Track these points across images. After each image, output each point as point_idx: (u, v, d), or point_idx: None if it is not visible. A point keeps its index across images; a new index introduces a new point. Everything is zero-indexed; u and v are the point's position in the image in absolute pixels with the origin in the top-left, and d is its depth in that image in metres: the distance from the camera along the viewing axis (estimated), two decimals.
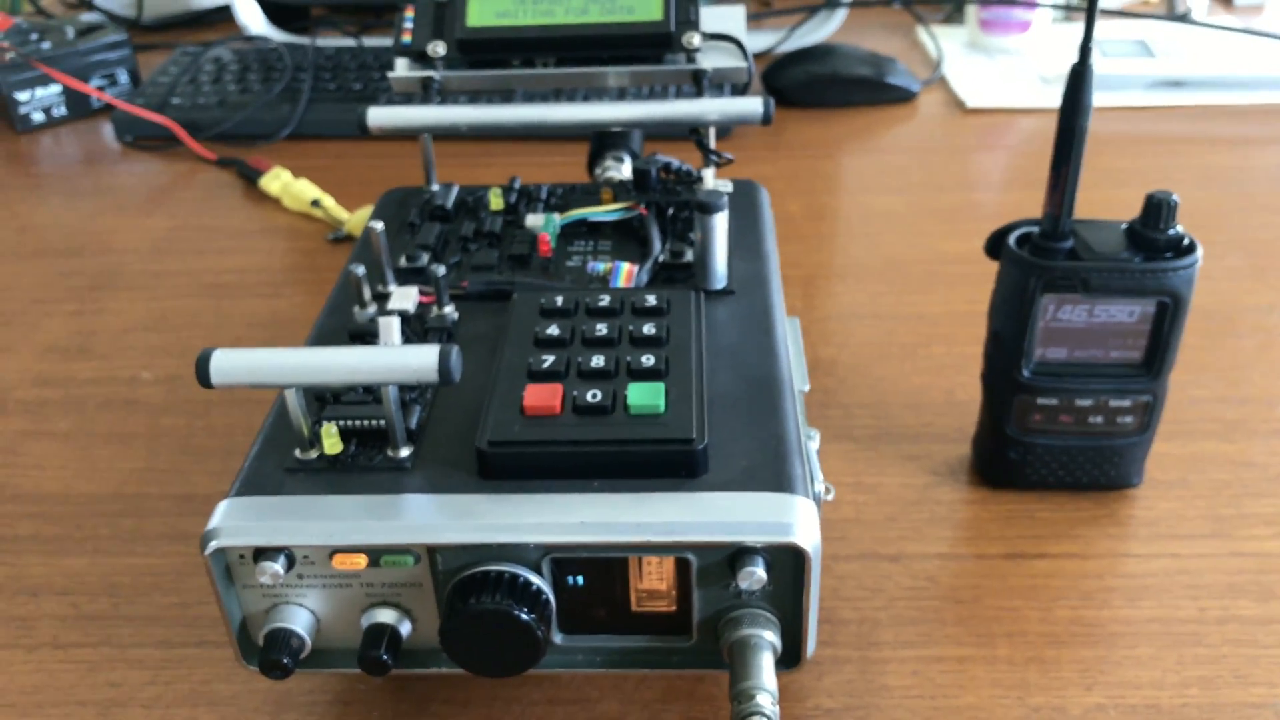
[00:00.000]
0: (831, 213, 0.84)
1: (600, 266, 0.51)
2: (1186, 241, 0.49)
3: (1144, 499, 0.55)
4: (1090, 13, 0.46)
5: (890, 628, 0.49)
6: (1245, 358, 0.65)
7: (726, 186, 0.58)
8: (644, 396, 0.41)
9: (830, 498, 0.47)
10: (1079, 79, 0.47)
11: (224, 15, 1.22)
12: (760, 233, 0.56)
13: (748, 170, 0.89)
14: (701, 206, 0.48)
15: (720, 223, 0.49)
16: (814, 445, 0.45)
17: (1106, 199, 0.83)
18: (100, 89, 1.04)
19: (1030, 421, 0.53)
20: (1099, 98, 0.98)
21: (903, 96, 1.01)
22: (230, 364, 0.39)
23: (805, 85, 1.01)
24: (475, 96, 0.93)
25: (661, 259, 0.52)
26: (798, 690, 0.46)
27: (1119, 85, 0.99)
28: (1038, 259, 0.49)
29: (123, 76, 1.06)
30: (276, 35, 1.14)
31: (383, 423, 0.42)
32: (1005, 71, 1.05)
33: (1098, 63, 0.98)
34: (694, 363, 0.44)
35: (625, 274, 0.50)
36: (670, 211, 0.56)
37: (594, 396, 0.41)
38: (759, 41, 1.10)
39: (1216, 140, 0.93)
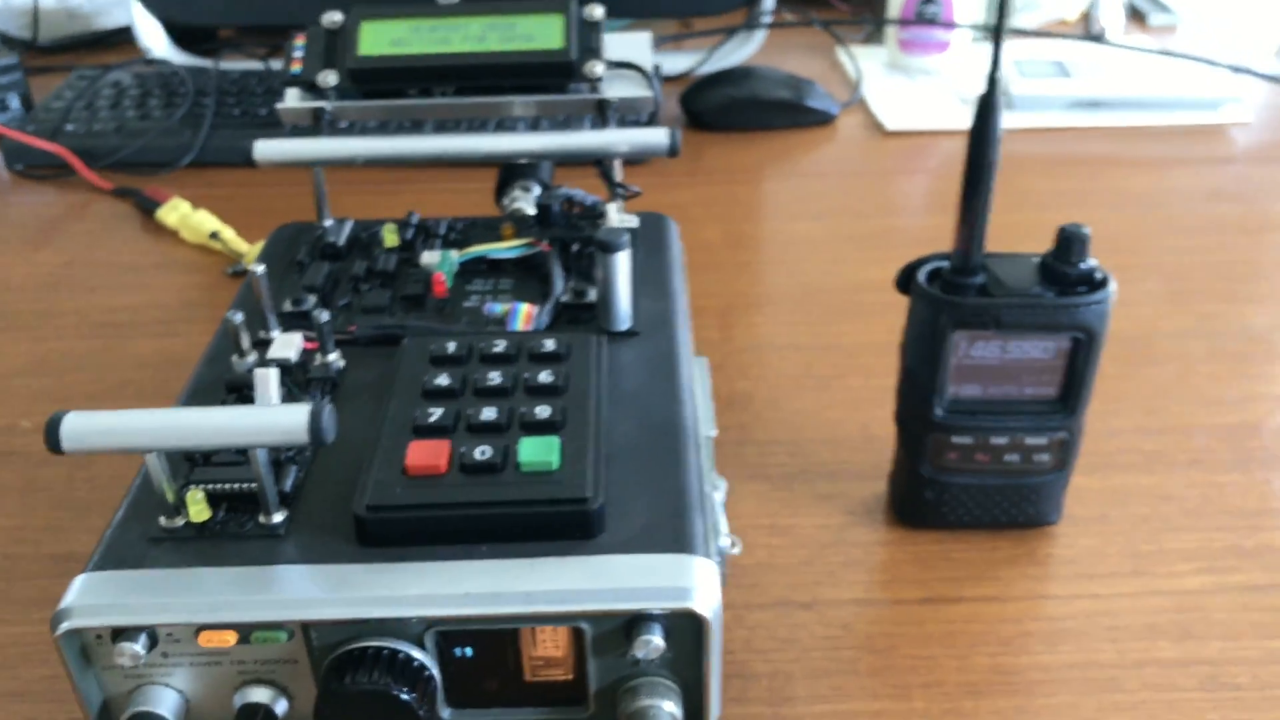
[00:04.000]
0: (750, 240, 0.82)
1: (498, 308, 0.49)
2: (1100, 275, 0.48)
3: (1063, 536, 0.54)
4: (996, 44, 0.44)
5: (804, 681, 0.47)
6: (1163, 385, 0.65)
7: (632, 221, 0.56)
8: (536, 453, 0.39)
9: (737, 551, 0.45)
10: (987, 109, 0.45)
11: (125, 37, 1.18)
12: (668, 269, 0.54)
13: (666, 197, 0.87)
14: (602, 245, 0.46)
15: (622, 262, 0.47)
16: (719, 496, 0.43)
17: (1025, 222, 0.82)
18: None
19: (945, 460, 0.52)
20: (1017, 118, 0.98)
21: (822, 119, 1.00)
22: (84, 428, 0.36)
23: (724, 109, 0.99)
24: (383, 125, 0.90)
25: (564, 299, 0.50)
26: None
27: (1037, 106, 0.99)
28: (948, 295, 0.48)
29: (13, 101, 1.02)
30: (180, 58, 1.10)
31: (254, 486, 0.39)
32: (925, 92, 1.05)
33: (1015, 83, 0.99)
34: (592, 413, 0.42)
35: (524, 316, 0.48)
36: (575, 248, 0.53)
37: (482, 454, 0.39)
38: (677, 64, 1.09)
39: (1134, 161, 0.93)
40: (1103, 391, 0.62)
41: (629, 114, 0.57)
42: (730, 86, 1.00)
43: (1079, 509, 0.55)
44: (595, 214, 0.54)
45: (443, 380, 0.43)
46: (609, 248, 0.46)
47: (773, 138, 0.99)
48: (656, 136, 0.54)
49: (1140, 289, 0.74)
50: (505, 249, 0.53)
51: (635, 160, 0.90)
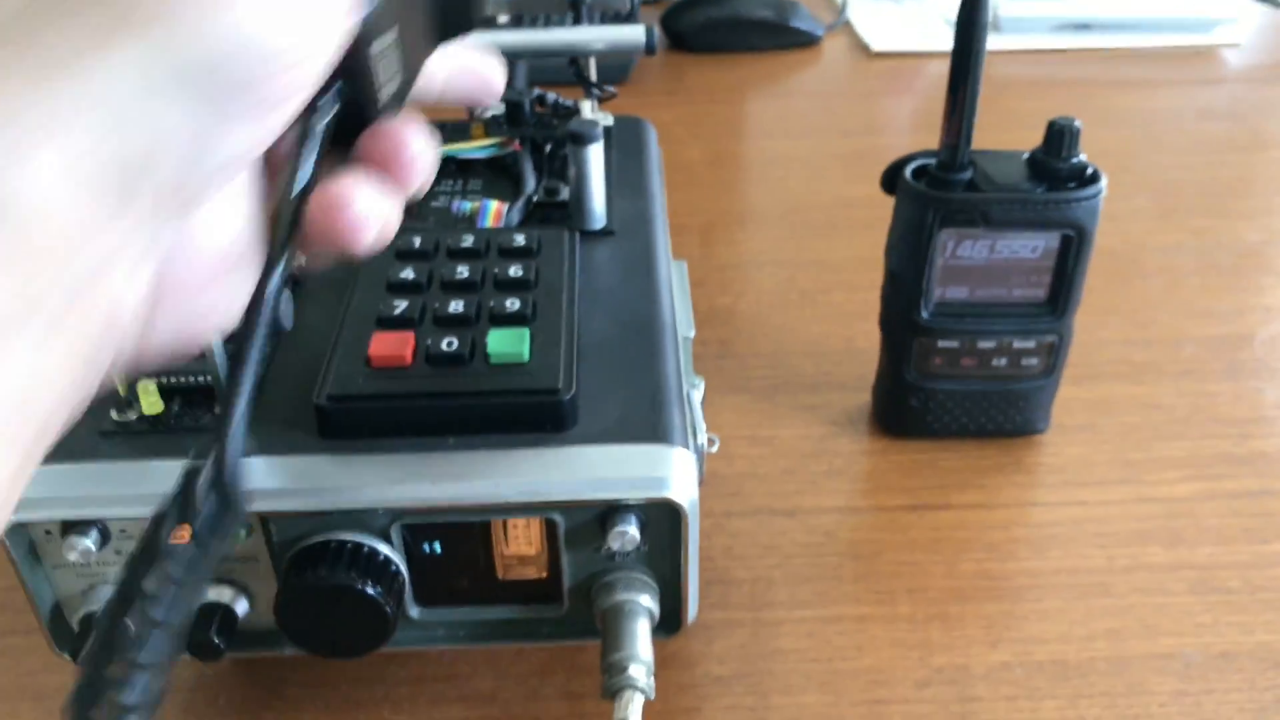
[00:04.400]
0: (731, 159, 0.80)
1: (467, 206, 0.47)
2: (1090, 171, 0.46)
3: (1051, 445, 0.53)
4: None
5: (785, 587, 0.46)
6: (1152, 298, 0.63)
7: (605, 119, 0.53)
8: (505, 343, 0.37)
9: (714, 449, 0.44)
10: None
11: None
12: (646, 171, 0.52)
13: (645, 114, 0.85)
14: (575, 137, 0.44)
15: (595, 155, 0.45)
16: (698, 394, 0.42)
17: (1015, 142, 0.80)
18: None
19: (931, 366, 0.50)
20: (1005, 40, 0.96)
21: (806, 41, 0.98)
22: None
23: (705, 29, 0.97)
24: None
25: (536, 197, 0.48)
26: (687, 657, 0.43)
27: (1025, 28, 0.97)
28: (935, 191, 0.46)
29: None
30: None
31: (209, 379, 0.37)
32: (910, 14, 1.02)
33: (1003, 4, 0.96)
34: (564, 307, 0.40)
35: (494, 213, 0.46)
36: (549, 149, 0.51)
37: (449, 345, 0.37)
38: None
39: (1124, 83, 0.91)
40: (1092, 305, 0.60)
41: (606, 11, 0.55)
42: (711, 6, 0.97)
43: (1067, 418, 0.54)
44: (568, 112, 0.51)
45: (408, 274, 0.41)
46: (581, 139, 0.44)
47: (755, 59, 0.96)
48: (633, 33, 0.52)
49: (1130, 205, 0.73)
50: (475, 148, 0.51)
51: (614, 79, 0.88)
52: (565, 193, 0.48)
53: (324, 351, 0.39)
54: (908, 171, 0.48)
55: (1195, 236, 0.69)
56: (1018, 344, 0.49)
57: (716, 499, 0.50)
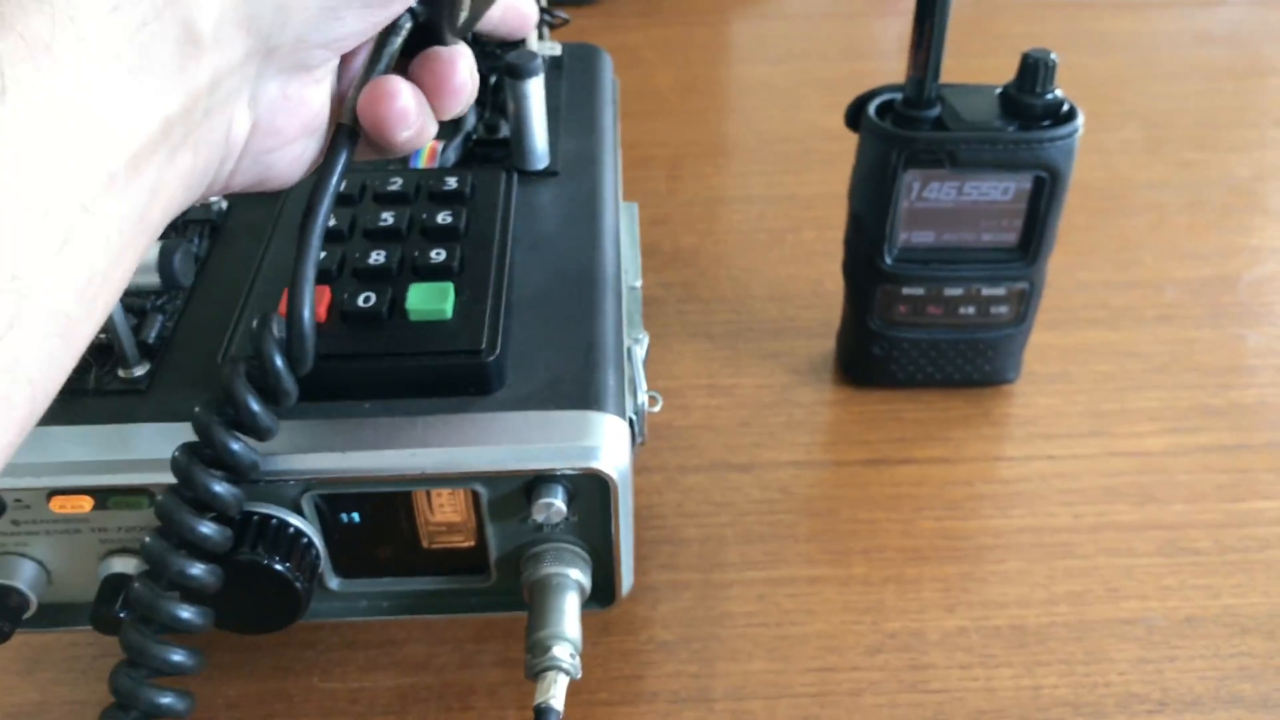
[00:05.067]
0: (705, 86, 0.76)
1: None
2: (1066, 108, 0.44)
3: (1021, 395, 0.50)
4: None
5: (736, 546, 0.44)
6: (1135, 237, 0.61)
7: (553, 49, 0.50)
8: (426, 300, 0.35)
9: (657, 409, 0.42)
10: None
11: None
12: (597, 104, 0.49)
13: (615, 39, 0.81)
14: (511, 70, 0.41)
15: (535, 90, 0.42)
16: (640, 349, 0.39)
17: (997, 67, 0.76)
18: None
19: (895, 314, 0.48)
20: None
21: None
22: None
23: None
24: None
25: (475, 135, 0.45)
26: (631, 621, 0.41)
27: None
28: (900, 129, 0.43)
29: None
30: None
31: (107, 336, 0.35)
32: None
33: None
34: (494, 258, 0.37)
35: (428, 153, 0.43)
36: (493, 81, 0.48)
37: (366, 300, 0.35)
38: None
39: (1118, 4, 0.87)
40: (1070, 243, 0.58)
41: None
42: None
43: (1039, 366, 0.52)
44: (513, 42, 0.48)
45: (329, 221, 0.38)
46: (519, 72, 0.41)
47: None
48: None
49: (1117, 137, 0.69)
50: None
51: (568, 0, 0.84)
52: (506, 129, 0.45)
53: (235, 307, 0.36)
54: (871, 108, 0.45)
55: (1184, 170, 0.66)
56: (986, 291, 0.47)
57: (670, 453, 0.48)
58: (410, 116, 0.29)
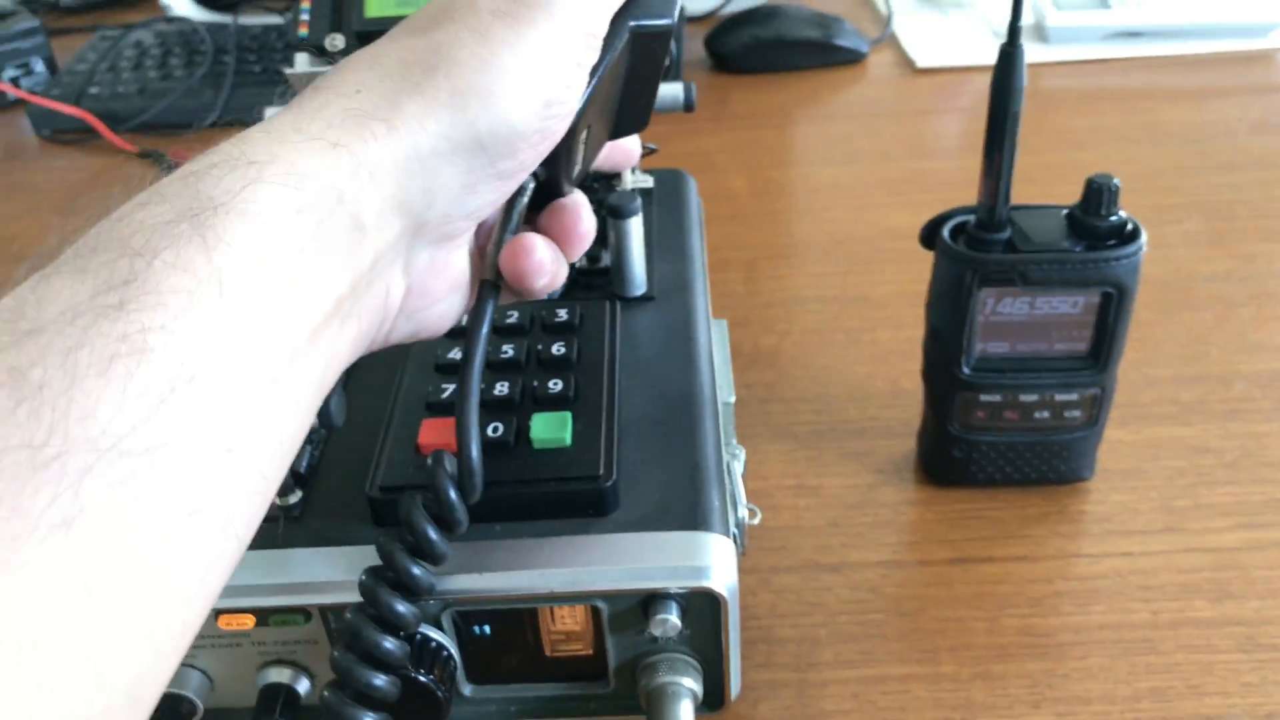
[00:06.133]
0: (776, 188, 0.80)
1: None
2: (1130, 227, 0.46)
3: (1096, 492, 0.53)
4: None
5: (830, 646, 0.47)
6: (1202, 331, 0.63)
7: (646, 181, 0.54)
8: (548, 429, 0.38)
9: (756, 521, 0.45)
10: (1009, 62, 0.44)
11: None
12: (686, 228, 0.53)
13: (689, 145, 0.86)
14: (614, 211, 0.45)
15: (635, 227, 0.46)
16: (738, 464, 0.42)
17: (1059, 163, 0.80)
18: (15, 80, 1.00)
19: (973, 419, 0.51)
20: (1052, 52, 0.95)
21: (851, 58, 0.98)
22: None
23: (750, 50, 0.97)
24: None
25: (578, 264, 0.49)
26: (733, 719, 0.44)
27: (1074, 38, 0.96)
28: (973, 252, 0.47)
29: (38, 65, 1.02)
30: (199, 15, 1.09)
31: None
32: (958, 27, 1.02)
33: (1051, 15, 0.95)
34: (605, 385, 0.41)
35: None
36: None
37: (495, 430, 0.38)
38: (700, 4, 1.06)
39: (1175, 93, 0.90)
40: (1138, 339, 0.61)
41: None
42: (756, 26, 0.97)
43: (1112, 463, 0.54)
44: (610, 175, 0.52)
45: (455, 354, 0.42)
46: (620, 213, 0.45)
47: (800, 79, 0.96)
48: (671, 92, 0.52)
49: (1179, 230, 0.72)
50: None
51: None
52: (606, 258, 0.49)
53: (377, 439, 0.40)
54: (945, 230, 0.48)
55: (1248, 262, 0.68)
56: (1060, 396, 0.50)
57: (762, 554, 0.51)
58: (546, 266, 0.34)
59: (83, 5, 1.19)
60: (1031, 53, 0.94)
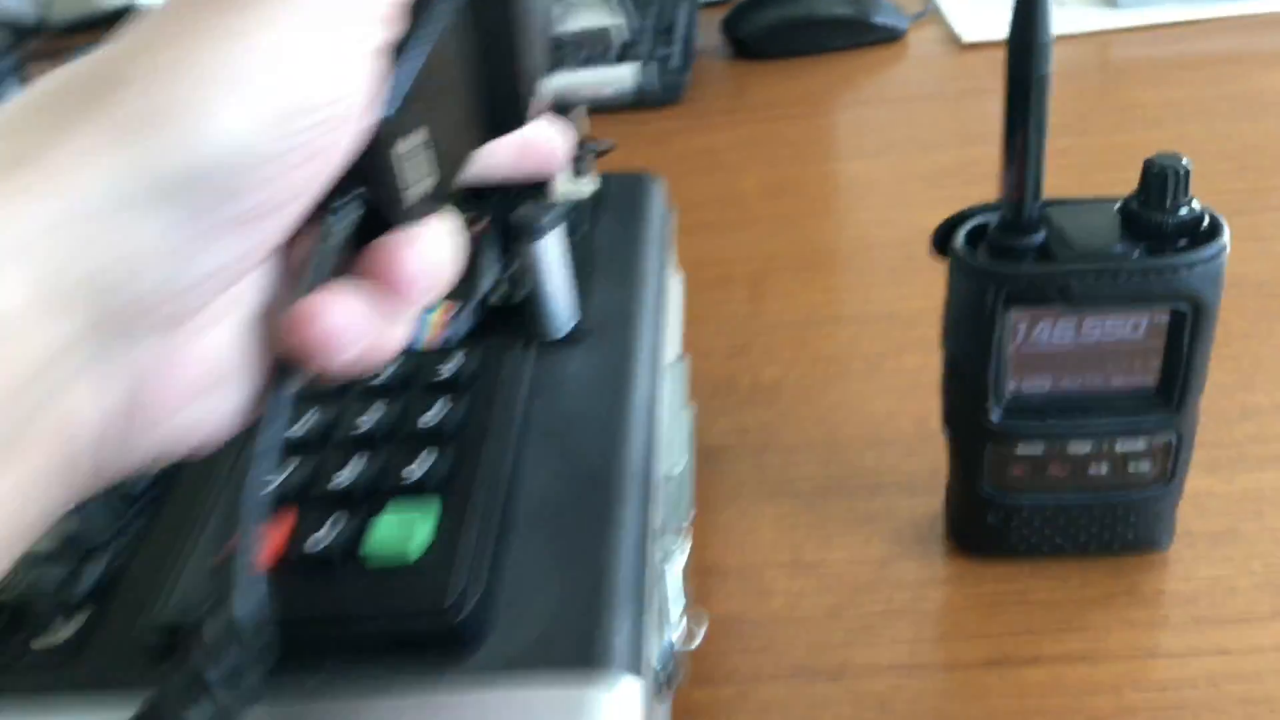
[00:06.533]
0: (793, 187, 0.69)
1: None
2: (1207, 223, 0.35)
3: (1177, 564, 0.41)
4: None
5: None
6: None
7: (585, 188, 0.44)
8: (388, 538, 0.28)
9: (695, 644, 0.34)
10: (1030, 8, 0.32)
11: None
12: (639, 247, 0.42)
13: (695, 142, 0.75)
14: (520, 229, 0.35)
15: (550, 250, 0.35)
16: (675, 565, 0.32)
17: (1131, 144, 0.67)
18: None
19: (1009, 477, 0.39)
20: (1123, 17, 0.82)
21: (889, 36, 0.86)
22: None
23: (774, 32, 0.86)
24: None
25: (493, 299, 0.39)
26: None
27: (1143, 1, 0.83)
28: (997, 262, 0.35)
29: (15, 90, 0.95)
30: None
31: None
32: None
33: None
34: (490, 462, 0.31)
35: (434, 325, 0.37)
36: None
37: (315, 544, 0.28)
38: None
39: (1269, 56, 0.76)
40: (1229, 357, 0.48)
41: (594, 50, 0.46)
42: (780, 6, 0.86)
43: (1198, 524, 0.42)
44: (535, 185, 0.42)
45: (304, 424, 0.33)
46: (528, 232, 0.35)
47: (830, 62, 0.85)
48: (618, 76, 0.42)
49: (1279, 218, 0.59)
50: None
51: (663, 100, 0.78)
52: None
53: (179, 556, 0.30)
54: (961, 235, 0.37)
55: None
56: (1122, 446, 0.38)
57: (742, 655, 0.40)
58: (348, 334, 0.23)
59: (70, 27, 1.13)
60: (1097, 18, 0.82)
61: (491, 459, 0.31)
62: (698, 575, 0.43)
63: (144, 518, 0.32)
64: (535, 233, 0.34)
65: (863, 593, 0.42)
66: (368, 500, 0.30)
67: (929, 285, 0.57)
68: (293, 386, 0.23)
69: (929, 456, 0.47)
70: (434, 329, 0.37)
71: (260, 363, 0.24)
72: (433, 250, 0.25)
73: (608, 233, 0.43)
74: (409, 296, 0.24)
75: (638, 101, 0.74)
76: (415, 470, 0.30)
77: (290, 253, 0.24)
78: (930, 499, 0.45)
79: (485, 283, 0.39)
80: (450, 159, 0.26)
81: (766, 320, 0.57)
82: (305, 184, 0.22)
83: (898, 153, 0.72)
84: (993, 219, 0.36)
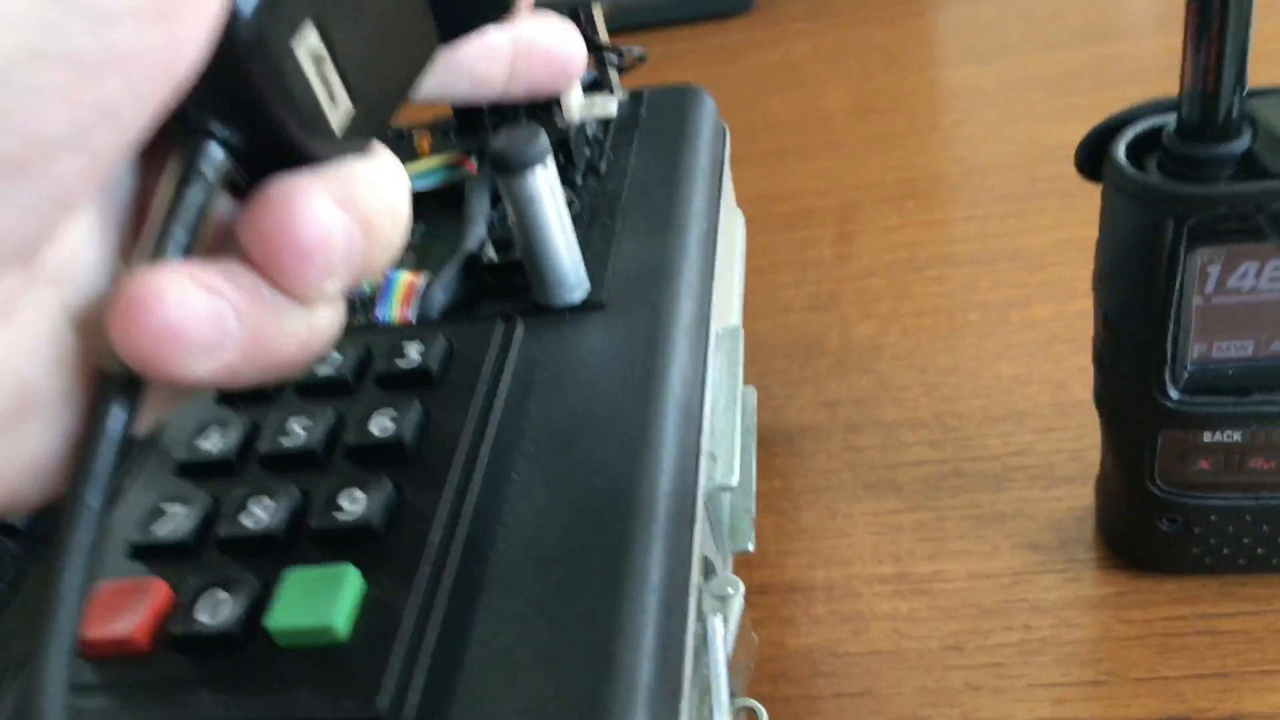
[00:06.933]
0: (889, 102, 0.58)
1: (365, 282, 0.29)
2: None
3: None
4: None
5: None
6: None
7: (609, 106, 0.34)
8: (301, 609, 0.20)
9: None
10: None
11: None
12: (679, 184, 0.33)
13: (772, 53, 0.64)
14: (498, 163, 0.26)
15: (543, 188, 0.26)
16: (725, 621, 0.22)
17: None
18: None
19: (1191, 472, 0.29)
20: None
21: None
22: None
23: None
24: None
25: (488, 256, 0.30)
26: None
27: None
28: (1175, 183, 0.25)
29: None
30: None
31: None
32: None
33: None
34: (456, 491, 0.22)
35: (401, 293, 0.28)
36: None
37: (207, 618, 0.20)
38: None
39: None
40: None
41: None
42: None
43: None
44: (543, 106, 0.32)
45: (216, 440, 0.24)
46: (507, 165, 0.25)
47: None
48: None
49: None
50: (414, 175, 0.33)
51: (734, 8, 0.67)
52: None
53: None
54: (1121, 145, 0.26)
55: None
56: None
57: (833, 705, 0.31)
58: (206, 329, 0.15)
59: None
60: None
61: (459, 484, 0.22)
62: (770, 595, 0.34)
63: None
64: (519, 162, 0.25)
65: (989, 618, 0.32)
66: (288, 550, 0.21)
67: (1060, 214, 0.47)
68: (123, 412, 0.15)
69: (1072, 433, 0.37)
70: (400, 300, 0.28)
71: (85, 378, 0.15)
72: (349, 202, 0.16)
73: (639, 165, 0.33)
74: (305, 270, 0.16)
75: (699, 10, 0.64)
76: (355, 505, 0.21)
77: (136, 214, 0.16)
78: (1077, 491, 0.35)
79: (474, 238, 0.30)
80: (380, 68, 0.17)
81: (857, 265, 0.47)
82: (106, 111, 0.13)
83: (1011, 56, 0.60)
84: (1169, 121, 0.26)
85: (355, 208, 0.16)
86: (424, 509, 0.21)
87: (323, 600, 0.20)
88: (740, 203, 0.41)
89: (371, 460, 0.23)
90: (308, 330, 0.16)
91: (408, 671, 0.19)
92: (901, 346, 0.42)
